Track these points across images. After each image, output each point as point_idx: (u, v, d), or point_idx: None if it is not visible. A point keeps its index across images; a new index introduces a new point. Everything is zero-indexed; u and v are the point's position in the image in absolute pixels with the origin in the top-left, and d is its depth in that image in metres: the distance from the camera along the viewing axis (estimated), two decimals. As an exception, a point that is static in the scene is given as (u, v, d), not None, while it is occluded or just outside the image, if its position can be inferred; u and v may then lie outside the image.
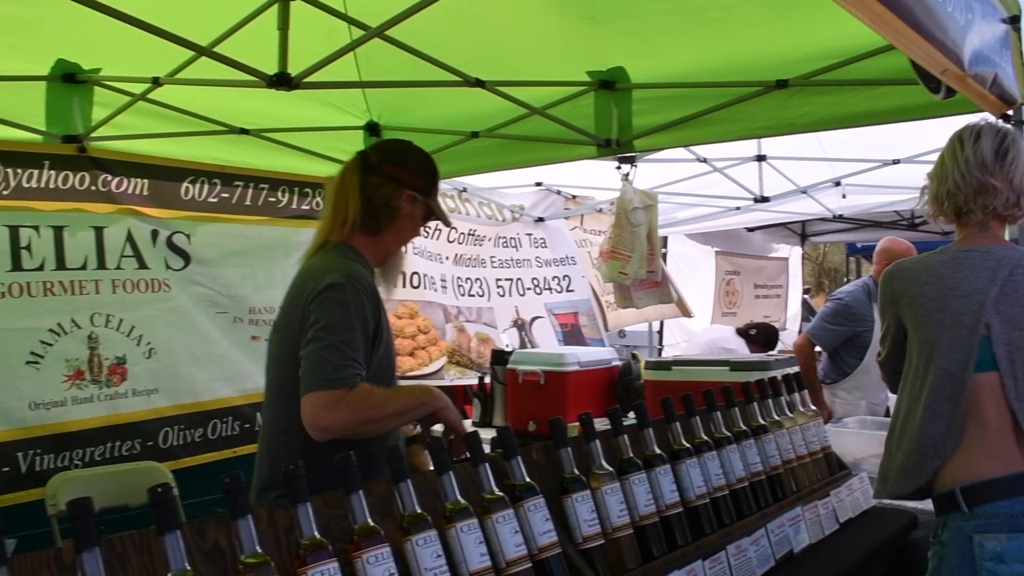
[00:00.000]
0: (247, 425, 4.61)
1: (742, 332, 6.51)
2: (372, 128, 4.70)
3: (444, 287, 6.23)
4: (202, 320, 4.48)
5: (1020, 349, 2.28)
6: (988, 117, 3.01)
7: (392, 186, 2.59)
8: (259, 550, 1.36)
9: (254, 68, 3.02)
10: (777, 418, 2.80)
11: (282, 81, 2.99)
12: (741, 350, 6.25)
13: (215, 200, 4.57)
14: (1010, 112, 3.19)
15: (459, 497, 1.65)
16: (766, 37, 3.46)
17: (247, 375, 4.63)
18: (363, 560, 1.44)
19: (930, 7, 2.12)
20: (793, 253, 10.18)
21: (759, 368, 3.82)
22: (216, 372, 4.51)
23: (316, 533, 1.43)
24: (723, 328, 6.72)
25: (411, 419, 2.54)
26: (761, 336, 6.41)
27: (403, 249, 2.76)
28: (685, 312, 7.53)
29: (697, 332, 8.10)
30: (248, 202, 4.72)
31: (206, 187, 4.53)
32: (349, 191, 2.59)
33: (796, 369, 3.85)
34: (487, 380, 4.94)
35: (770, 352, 6.10)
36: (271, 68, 3.00)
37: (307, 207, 5.02)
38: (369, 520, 1.49)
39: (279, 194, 4.88)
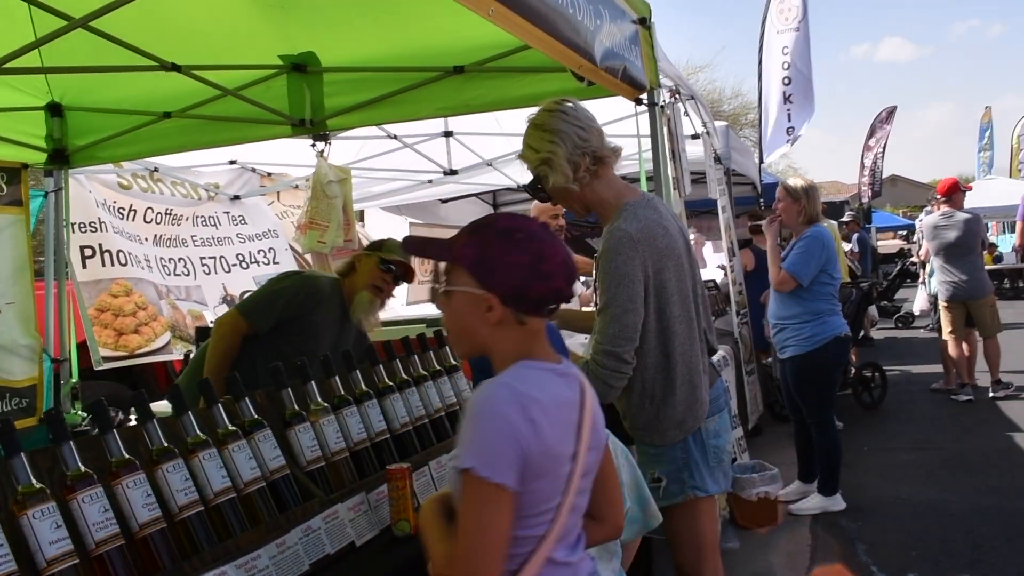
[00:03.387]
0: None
1: None
2: (54, 108, 4.59)
3: (149, 266, 6.15)
4: None
5: None
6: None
7: None
8: (35, 482, 1.55)
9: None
10: (468, 360, 3.25)
11: (-46, 65, 2.95)
12: None
13: None
14: (641, 96, 3.85)
15: (199, 433, 1.92)
16: (443, 28, 3.87)
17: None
18: (123, 486, 1.68)
19: (565, 16, 2.62)
20: (487, 223, 10.83)
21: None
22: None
23: (81, 467, 1.64)
24: None
25: None
26: None
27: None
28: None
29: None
30: (-79, 188, 4.44)
31: None
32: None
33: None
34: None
35: None
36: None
37: (-12, 191, 4.78)
38: (124, 454, 1.73)
39: (-45, 179, 4.61)
